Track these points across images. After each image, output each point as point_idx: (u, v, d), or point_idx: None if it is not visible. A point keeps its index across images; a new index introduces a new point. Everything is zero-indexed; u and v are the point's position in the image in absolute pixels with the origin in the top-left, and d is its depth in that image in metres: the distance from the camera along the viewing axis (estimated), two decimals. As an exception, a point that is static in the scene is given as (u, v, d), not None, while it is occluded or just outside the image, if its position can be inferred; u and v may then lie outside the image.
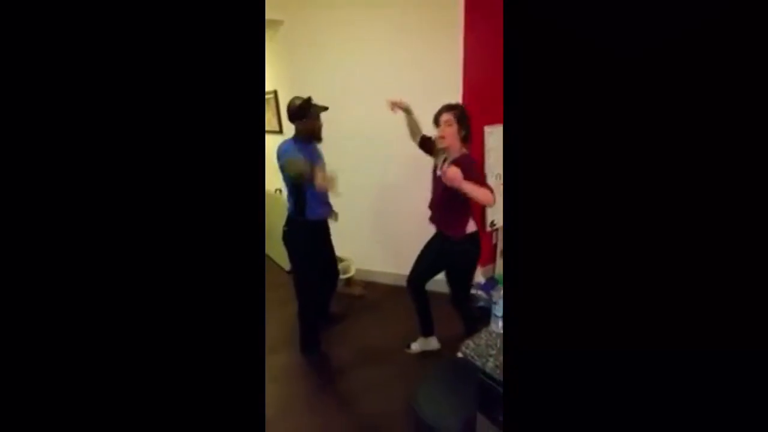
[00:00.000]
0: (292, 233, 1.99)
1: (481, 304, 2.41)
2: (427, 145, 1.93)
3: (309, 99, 1.83)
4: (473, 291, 2.44)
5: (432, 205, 1.90)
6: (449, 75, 2.32)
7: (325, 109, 1.89)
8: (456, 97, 2.27)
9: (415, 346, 2.17)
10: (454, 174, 1.44)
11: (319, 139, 1.94)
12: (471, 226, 1.79)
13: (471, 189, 1.49)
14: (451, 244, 1.82)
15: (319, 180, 1.69)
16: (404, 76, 2.44)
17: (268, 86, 3.01)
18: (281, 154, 1.83)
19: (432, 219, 1.92)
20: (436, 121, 1.70)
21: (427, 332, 2.15)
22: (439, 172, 1.76)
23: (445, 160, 1.77)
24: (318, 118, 1.88)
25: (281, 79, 2.86)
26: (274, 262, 3.42)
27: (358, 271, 2.91)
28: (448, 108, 1.69)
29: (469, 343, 1.11)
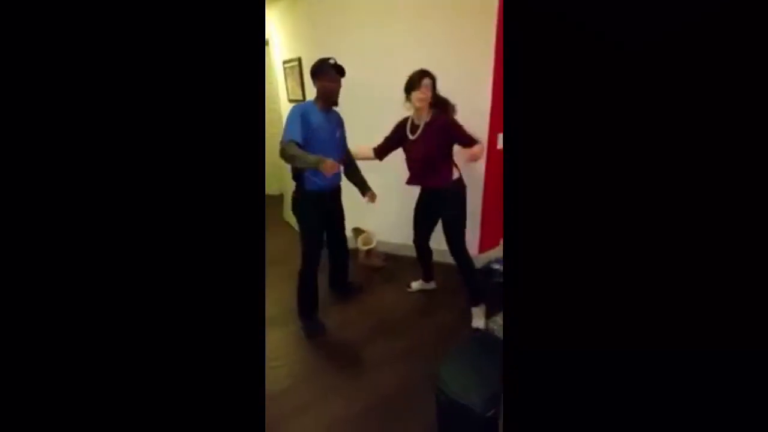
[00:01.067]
0: (296, 202, 2.00)
1: (499, 279, 2.40)
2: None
3: (326, 58, 1.81)
4: (493, 266, 2.44)
5: (412, 167, 2.01)
6: (481, 43, 2.23)
7: (342, 71, 1.82)
8: (488, 64, 2.23)
9: (415, 285, 2.52)
10: (481, 149, 1.78)
11: (334, 102, 1.87)
12: (455, 173, 1.96)
13: (481, 151, 1.79)
14: (436, 195, 2.00)
15: (327, 168, 1.59)
16: (433, 42, 2.37)
17: (293, 53, 2.95)
18: (302, 113, 1.77)
19: (412, 181, 2.04)
20: (416, 85, 1.81)
21: (427, 279, 2.48)
22: (411, 136, 1.94)
23: (412, 122, 1.95)
24: (335, 80, 1.81)
25: (306, 46, 2.80)
26: (295, 229, 3.45)
27: (380, 243, 2.92)
28: (427, 74, 1.82)
29: (497, 319, 1.13)
